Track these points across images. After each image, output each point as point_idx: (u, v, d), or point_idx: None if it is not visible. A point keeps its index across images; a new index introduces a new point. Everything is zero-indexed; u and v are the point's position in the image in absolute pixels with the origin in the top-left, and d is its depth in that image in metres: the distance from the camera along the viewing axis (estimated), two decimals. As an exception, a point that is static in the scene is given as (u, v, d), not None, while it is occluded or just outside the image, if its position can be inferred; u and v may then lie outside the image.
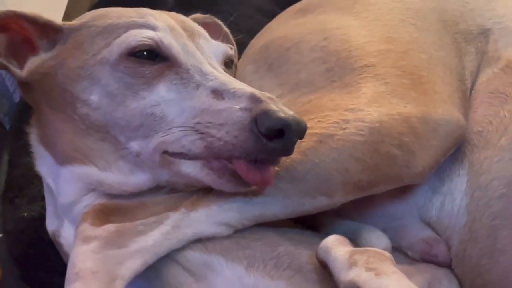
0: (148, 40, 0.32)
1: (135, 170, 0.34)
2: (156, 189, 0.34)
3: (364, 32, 0.38)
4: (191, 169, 0.31)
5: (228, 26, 0.43)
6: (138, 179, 0.34)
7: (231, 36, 0.43)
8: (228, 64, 0.37)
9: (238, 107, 0.29)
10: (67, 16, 0.59)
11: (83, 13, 0.38)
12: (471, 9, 0.41)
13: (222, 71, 0.34)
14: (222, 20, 0.43)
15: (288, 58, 0.40)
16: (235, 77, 0.38)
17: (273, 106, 0.28)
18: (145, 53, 0.32)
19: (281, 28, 0.44)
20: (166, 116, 0.31)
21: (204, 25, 0.38)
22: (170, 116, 0.31)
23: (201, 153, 0.30)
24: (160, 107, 0.32)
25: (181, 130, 0.30)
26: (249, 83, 0.33)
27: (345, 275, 0.28)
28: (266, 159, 0.29)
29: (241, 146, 0.29)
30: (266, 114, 0.28)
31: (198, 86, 0.31)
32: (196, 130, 0.30)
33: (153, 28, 0.33)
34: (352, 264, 0.28)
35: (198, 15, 0.41)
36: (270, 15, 0.51)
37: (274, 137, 0.28)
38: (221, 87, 0.31)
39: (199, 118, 0.30)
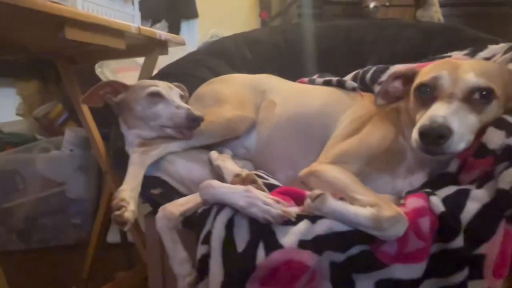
0: (155, 90, 1.07)
1: (151, 131, 1.06)
2: (158, 137, 1.06)
3: (226, 89, 1.18)
4: (169, 131, 1.05)
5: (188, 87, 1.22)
6: (152, 134, 1.07)
7: (185, 89, 1.20)
8: (182, 97, 1.13)
9: (183, 111, 1.02)
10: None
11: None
12: (260, 83, 1.23)
13: (179, 100, 1.09)
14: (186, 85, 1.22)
15: (203, 97, 1.19)
16: (186, 103, 1.16)
17: (194, 111, 1.02)
18: (154, 94, 1.06)
19: (202, 88, 1.24)
20: (161, 115, 1.05)
21: (178, 86, 1.15)
22: (162, 114, 1.05)
23: (171, 126, 1.03)
24: (158, 112, 1.05)
25: (166, 119, 1.04)
26: (191, 105, 1.11)
27: (215, 162, 1.01)
28: (191, 128, 1.04)
29: (184, 124, 1.02)
30: (191, 113, 1.01)
31: (171, 105, 1.05)
32: (171, 119, 1.04)
33: (157, 86, 1.08)
34: (217, 159, 1.02)
35: (175, 83, 1.17)
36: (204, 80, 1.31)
37: (194, 121, 1.02)
38: (178, 106, 1.04)
39: (171, 115, 1.04)
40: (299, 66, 1.61)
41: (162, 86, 1.09)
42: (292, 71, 1.55)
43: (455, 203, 0.74)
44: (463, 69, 0.82)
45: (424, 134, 0.75)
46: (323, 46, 1.54)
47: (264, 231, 0.76)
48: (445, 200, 0.75)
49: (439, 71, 0.83)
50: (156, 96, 1.06)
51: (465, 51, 1.08)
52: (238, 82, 1.25)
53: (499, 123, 0.79)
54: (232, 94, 1.18)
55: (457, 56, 1.06)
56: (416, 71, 0.92)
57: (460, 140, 0.75)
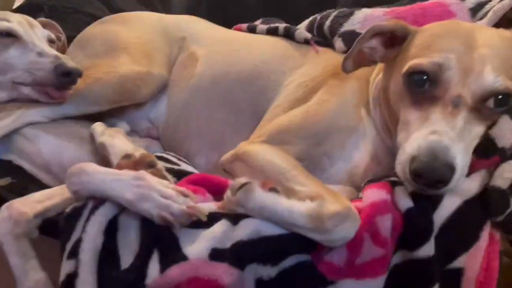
0: (4, 26, 0.99)
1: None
2: (12, 100, 1.01)
3: (126, 33, 1.12)
4: (27, 91, 0.99)
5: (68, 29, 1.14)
6: (0, 95, 1.01)
7: (61, 30, 1.14)
8: (52, 41, 1.06)
9: (48, 61, 0.97)
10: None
11: None
12: (179, 28, 1.20)
13: (46, 44, 1.02)
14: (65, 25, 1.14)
15: (88, 43, 1.13)
16: (62, 51, 1.10)
17: (65, 61, 0.97)
18: (3, 33, 0.99)
19: (90, 29, 1.18)
20: (14, 64, 0.98)
21: (47, 23, 1.08)
22: (16, 64, 0.98)
23: (31, 83, 0.98)
24: (11, 60, 0.98)
25: (21, 71, 0.98)
26: (68, 54, 1.05)
27: (98, 139, 0.98)
28: (63, 87, 0.99)
29: (49, 80, 0.97)
30: (61, 64, 0.96)
31: (31, 50, 0.99)
32: (29, 72, 0.98)
33: (8, 21, 1.00)
34: (102, 134, 0.98)
35: (43, 19, 1.10)
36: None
37: (66, 75, 0.96)
38: (41, 51, 0.99)
39: (30, 66, 0.98)
40: (240, 6, 1.59)
41: (17, 21, 1.02)
42: (230, 14, 1.52)
43: (428, 196, 0.76)
44: (479, 53, 0.78)
45: (420, 175, 0.73)
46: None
47: (160, 237, 0.74)
48: (415, 193, 0.76)
49: (446, 52, 0.79)
50: (7, 36, 1.00)
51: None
52: (145, 24, 1.19)
53: None
54: (133, 40, 1.13)
55: (443, 0, 1.08)
56: (407, 29, 0.89)
57: (462, 174, 0.75)
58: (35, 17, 1.18)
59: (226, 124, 1.07)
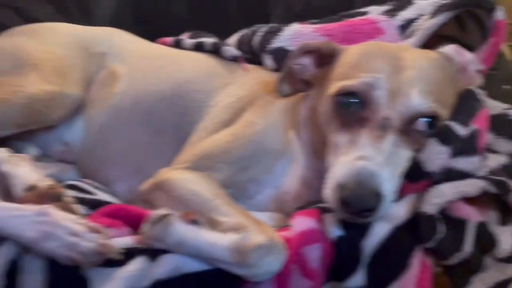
0: None
1: None
2: None
3: (36, 47, 1.06)
4: None
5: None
6: None
7: None
8: None
9: None
10: None
11: None
12: (98, 42, 1.14)
13: None
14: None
15: None
16: None
17: None
18: None
19: None
20: None
21: None
22: None
23: None
24: None
25: None
26: None
27: (1, 168, 0.88)
28: None
29: None
30: None
31: None
32: None
33: None
34: (5, 162, 0.87)
35: None
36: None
37: None
38: None
39: None
40: (169, 19, 1.56)
41: None
42: (157, 27, 1.49)
43: (357, 223, 0.75)
44: (407, 75, 0.80)
45: (348, 203, 0.72)
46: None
47: (69, 280, 0.70)
48: (344, 220, 0.76)
49: (375, 72, 0.80)
50: None
51: (385, 7, 1.13)
52: (59, 37, 1.13)
53: (443, 136, 0.79)
54: (44, 55, 1.06)
55: (372, 17, 1.10)
56: (335, 48, 0.90)
57: (389, 201, 0.75)
58: None
59: (148, 147, 1.03)
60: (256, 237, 0.70)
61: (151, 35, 1.32)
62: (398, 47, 0.89)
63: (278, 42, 1.12)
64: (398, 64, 0.81)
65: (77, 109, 1.07)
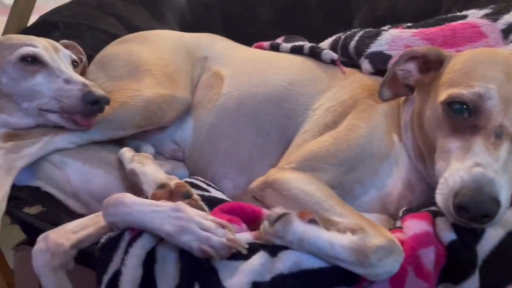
0: (31, 52, 1.01)
1: (25, 117, 1.02)
2: (38, 126, 1.03)
3: (148, 53, 1.14)
4: (54, 118, 1.00)
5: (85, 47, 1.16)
6: (27, 122, 1.02)
7: (82, 50, 1.15)
8: (75, 64, 1.08)
9: (76, 88, 0.98)
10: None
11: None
12: (200, 47, 1.22)
13: (71, 69, 1.04)
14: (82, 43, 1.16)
15: (110, 63, 1.14)
16: (83, 72, 1.11)
17: (93, 89, 0.98)
18: (30, 59, 1.00)
19: (110, 48, 1.20)
20: (41, 91, 1.00)
21: (69, 45, 1.10)
22: (43, 91, 0.99)
23: (58, 110, 0.99)
24: (37, 87, 1.00)
25: (48, 98, 0.99)
26: (90, 75, 1.08)
27: (128, 165, 1.00)
28: (90, 114, 1.00)
29: (77, 108, 0.98)
30: (89, 93, 0.97)
31: (58, 77, 1.00)
32: (56, 99, 0.99)
33: (34, 46, 1.02)
34: (131, 160, 1.00)
35: (65, 41, 1.12)
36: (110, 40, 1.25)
37: (94, 104, 0.98)
38: (68, 78, 1.00)
39: (57, 93, 0.99)
40: (254, 23, 1.62)
41: (43, 46, 1.04)
42: (244, 32, 1.55)
43: (470, 228, 0.77)
44: None
45: (465, 209, 0.74)
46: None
47: (200, 270, 0.75)
48: (456, 224, 0.78)
49: (486, 81, 0.81)
50: (33, 61, 1.01)
51: (486, 10, 1.13)
52: (167, 44, 1.22)
53: None
54: (156, 61, 1.15)
55: (474, 21, 1.10)
56: (443, 54, 0.91)
57: (506, 208, 0.76)
58: (50, 34, 1.21)
59: (253, 146, 1.09)
60: (376, 239, 0.73)
61: (238, 39, 1.39)
62: (510, 53, 0.89)
63: (376, 46, 1.14)
64: (511, 72, 0.82)
65: (186, 111, 1.15)
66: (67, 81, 1.00)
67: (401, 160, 0.96)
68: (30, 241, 0.93)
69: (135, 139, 1.12)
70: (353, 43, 1.19)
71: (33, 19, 1.41)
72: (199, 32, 1.35)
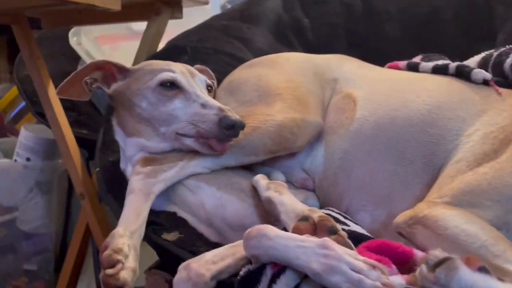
0: (170, 77, 1.02)
1: (162, 141, 1.03)
2: (173, 150, 1.04)
3: (277, 77, 1.12)
4: (190, 142, 1.01)
5: (212, 70, 1.17)
6: (164, 146, 1.03)
7: (213, 75, 1.16)
8: (209, 89, 1.08)
9: (212, 113, 0.98)
10: (135, 62, 1.32)
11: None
12: (329, 68, 1.17)
13: (206, 93, 1.05)
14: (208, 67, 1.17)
15: (239, 88, 1.13)
16: (214, 97, 1.11)
17: (229, 113, 0.97)
18: (168, 84, 1.02)
19: (238, 73, 1.19)
20: (179, 116, 1.01)
21: (202, 70, 1.11)
22: (180, 116, 1.00)
23: (194, 134, 0.99)
24: (175, 111, 1.01)
25: (185, 123, 1.00)
26: (219, 100, 1.06)
27: (264, 193, 0.98)
28: (225, 139, 0.99)
29: (213, 132, 0.97)
30: (226, 117, 0.96)
31: (194, 101, 1.01)
32: (192, 124, 0.99)
33: (173, 71, 1.03)
34: (268, 188, 0.97)
35: (199, 66, 1.14)
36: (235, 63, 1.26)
37: (230, 128, 0.96)
38: (205, 103, 1.00)
39: (194, 118, 0.99)
40: (382, 40, 1.56)
41: (180, 71, 1.06)
42: (369, 51, 1.49)
43: None
44: None
45: None
46: (423, 9, 1.49)
47: None
48: None
49: None
50: (171, 86, 1.03)
51: None
52: (295, 66, 1.19)
53: None
54: (285, 84, 1.12)
55: None
56: None
57: None
58: (179, 59, 1.23)
59: (393, 176, 1.01)
60: None
61: (364, 57, 1.32)
62: None
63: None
64: None
65: (317, 136, 1.11)
66: (204, 105, 1.00)
67: None
68: (163, 266, 0.94)
69: (265, 166, 1.09)
70: (509, 61, 1.08)
71: (161, 45, 1.46)
72: (323, 53, 1.31)
